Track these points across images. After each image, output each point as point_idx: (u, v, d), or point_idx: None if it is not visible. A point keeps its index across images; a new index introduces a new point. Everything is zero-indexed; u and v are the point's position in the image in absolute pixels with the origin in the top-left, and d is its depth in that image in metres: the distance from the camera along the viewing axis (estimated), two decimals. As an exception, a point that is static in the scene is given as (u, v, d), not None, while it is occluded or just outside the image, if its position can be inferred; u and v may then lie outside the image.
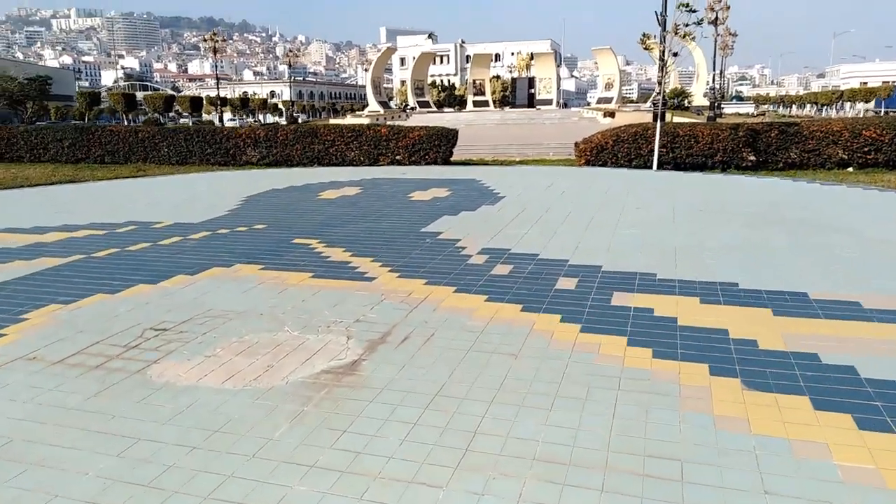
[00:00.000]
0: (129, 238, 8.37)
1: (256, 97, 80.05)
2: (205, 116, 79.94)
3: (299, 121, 73.00)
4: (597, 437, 3.26)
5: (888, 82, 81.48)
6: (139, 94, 68.05)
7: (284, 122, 66.74)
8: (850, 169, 15.12)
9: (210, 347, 4.63)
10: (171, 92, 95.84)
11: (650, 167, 15.47)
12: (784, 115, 58.72)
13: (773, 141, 15.63)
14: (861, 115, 42.38)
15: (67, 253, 7.56)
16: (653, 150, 15.62)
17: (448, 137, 18.89)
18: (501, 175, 14.30)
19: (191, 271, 6.67)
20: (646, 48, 17.57)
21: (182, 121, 66.27)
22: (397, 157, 18.88)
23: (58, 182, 15.81)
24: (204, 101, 67.45)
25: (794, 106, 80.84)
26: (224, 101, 70.40)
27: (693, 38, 15.09)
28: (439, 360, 4.29)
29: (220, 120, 57.27)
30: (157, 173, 17.88)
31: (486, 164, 19.37)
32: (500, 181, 13.03)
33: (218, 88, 61.43)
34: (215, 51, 55.48)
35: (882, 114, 55.75)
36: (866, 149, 15.26)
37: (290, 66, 73.21)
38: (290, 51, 76.07)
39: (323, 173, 15.67)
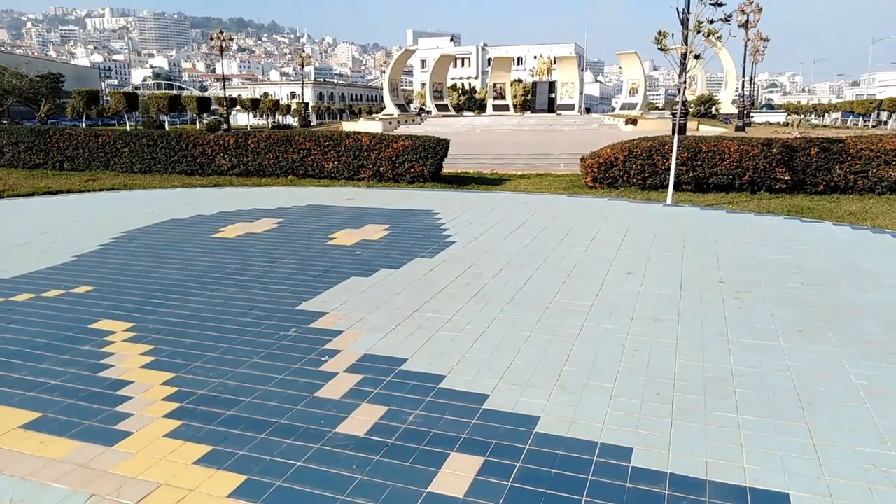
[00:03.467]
0: None
1: (268, 98, 77.64)
2: (234, 120, 77.85)
3: (311, 123, 70.75)
4: None
5: (926, 92, 76.46)
6: (144, 93, 66.19)
7: (297, 124, 64.63)
8: None
9: None
10: (193, 91, 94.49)
11: (667, 187, 12.56)
12: (817, 126, 54.65)
13: (812, 160, 13.03)
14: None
15: None
16: (669, 168, 12.67)
17: (436, 149, 16.18)
18: (473, 203, 11.43)
19: None
20: (661, 48, 14.49)
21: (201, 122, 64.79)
22: (380, 170, 16.26)
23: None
24: (213, 102, 65.30)
25: (827, 115, 76.12)
26: (233, 102, 68.24)
27: (720, 38, 12.07)
28: None
29: (227, 122, 55.25)
30: (103, 186, 15.33)
31: (477, 179, 16.61)
32: (465, 214, 10.16)
33: (225, 88, 59.50)
34: (222, 49, 53.19)
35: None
36: (926, 171, 12.63)
37: (302, 66, 70.63)
38: (303, 51, 73.73)
39: (259, 196, 12.91)
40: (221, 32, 54.03)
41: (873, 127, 55.29)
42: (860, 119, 61.81)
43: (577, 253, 7.51)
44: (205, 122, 58.30)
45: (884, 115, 61.13)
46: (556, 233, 8.70)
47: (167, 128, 51.86)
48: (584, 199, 12.09)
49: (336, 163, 16.66)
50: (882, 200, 11.98)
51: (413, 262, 7.14)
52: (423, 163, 15.87)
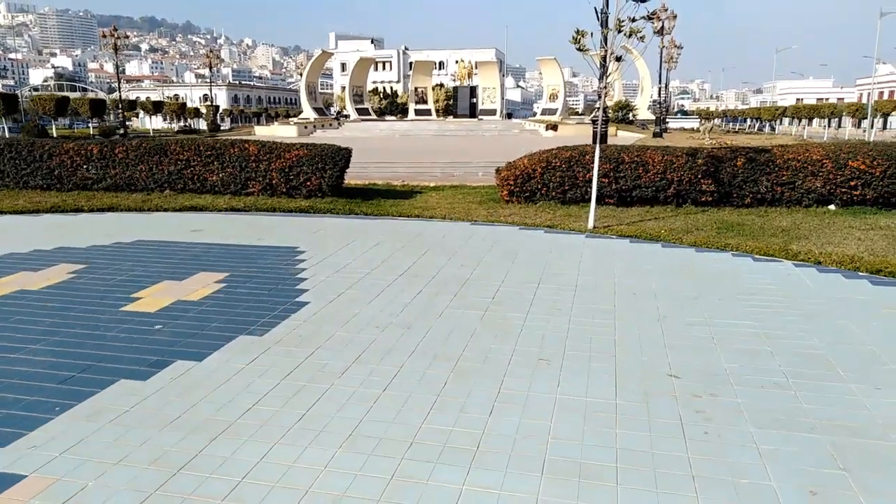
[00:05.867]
0: None
1: (171, 101, 71.68)
2: (140, 123, 71.62)
3: (222, 127, 66.35)
4: None
5: (822, 99, 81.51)
6: (29, 95, 59.83)
7: (206, 128, 60.09)
8: (832, 207, 12.15)
9: None
10: (98, 93, 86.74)
11: (588, 200, 11.15)
12: (729, 132, 55.86)
13: (738, 171, 12.37)
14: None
15: None
16: (590, 180, 11.29)
17: (335, 159, 13.97)
18: (356, 235, 9.19)
19: None
20: (579, 49, 12.92)
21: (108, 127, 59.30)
22: (272, 183, 13.97)
23: None
24: (108, 104, 59.60)
25: (738, 120, 79.76)
26: (132, 105, 62.86)
27: (643, 38, 10.51)
28: None
29: (124, 126, 50.61)
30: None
31: (385, 192, 14.55)
32: (338, 252, 7.89)
33: (120, 90, 54.73)
34: (116, 48, 48.56)
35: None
36: (852, 182, 12.14)
37: (210, 67, 65.86)
38: (211, 51, 69.03)
39: (82, 225, 10.16)
40: (115, 29, 49.44)
41: (758, 131, 59.01)
42: (737, 122, 68.57)
43: (471, 322, 5.36)
44: (97, 126, 53.19)
45: (786, 121, 64.35)
46: (448, 284, 6.56)
47: (55, 133, 46.79)
48: (493, 229, 10.02)
49: (221, 175, 14.26)
50: (811, 213, 11.44)
51: (231, 343, 4.82)
52: (321, 175, 13.68)
